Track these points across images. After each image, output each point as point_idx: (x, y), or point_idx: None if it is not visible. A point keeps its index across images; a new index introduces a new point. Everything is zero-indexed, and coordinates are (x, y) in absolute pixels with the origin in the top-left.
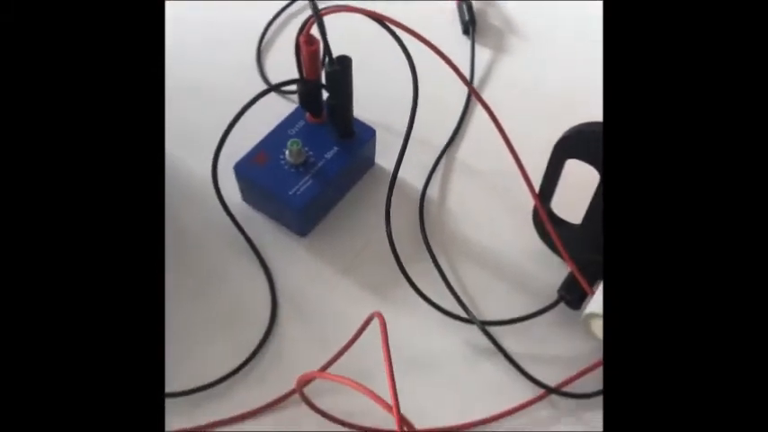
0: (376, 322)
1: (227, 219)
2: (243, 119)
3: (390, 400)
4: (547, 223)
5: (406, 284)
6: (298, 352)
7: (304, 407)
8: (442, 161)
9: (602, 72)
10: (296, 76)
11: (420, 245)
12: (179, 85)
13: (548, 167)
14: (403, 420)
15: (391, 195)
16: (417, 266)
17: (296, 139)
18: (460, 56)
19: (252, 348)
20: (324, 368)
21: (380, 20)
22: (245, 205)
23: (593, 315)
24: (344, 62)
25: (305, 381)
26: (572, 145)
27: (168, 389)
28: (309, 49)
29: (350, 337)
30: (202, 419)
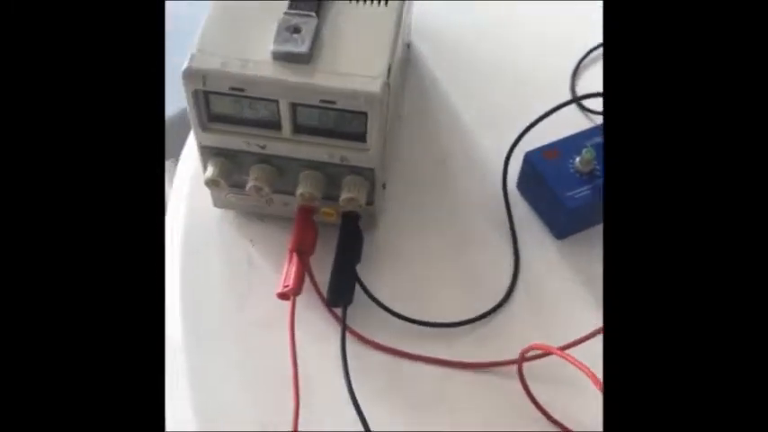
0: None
1: (500, 196)
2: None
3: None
4: None
5: None
6: (521, 332)
7: (509, 380)
8: None
9: None
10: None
11: None
12: (503, 70)
13: None
14: None
15: None
16: None
17: (591, 149)
18: None
19: (482, 311)
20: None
21: None
22: (516, 192)
23: None
24: None
25: (529, 349)
26: None
27: (410, 314)
28: None
29: (573, 339)
30: (422, 351)
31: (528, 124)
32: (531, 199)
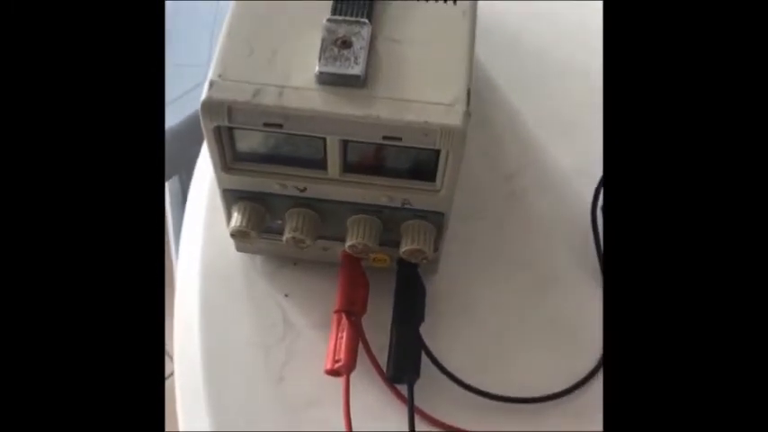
0: None
1: (582, 222)
2: None
3: None
4: None
5: None
6: None
7: None
8: None
9: None
10: None
11: None
12: (574, 71)
13: None
14: None
15: None
16: None
17: None
18: None
19: (577, 377)
20: None
21: None
22: (600, 215)
23: None
24: None
25: None
26: None
27: (485, 387)
28: None
29: None
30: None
31: None
32: None
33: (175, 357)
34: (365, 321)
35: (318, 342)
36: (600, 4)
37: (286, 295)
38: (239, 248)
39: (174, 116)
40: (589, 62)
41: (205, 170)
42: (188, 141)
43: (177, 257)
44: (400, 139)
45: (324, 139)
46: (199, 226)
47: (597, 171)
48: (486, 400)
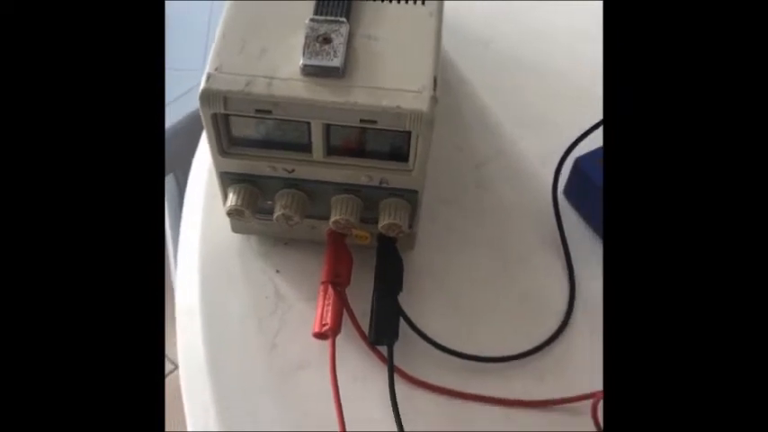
0: None
1: (545, 205)
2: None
3: None
4: None
5: None
6: (584, 363)
7: (579, 419)
8: None
9: None
10: None
11: None
12: (536, 68)
13: None
14: None
15: None
16: None
17: None
18: None
19: (539, 341)
20: None
21: None
22: (563, 199)
23: None
24: None
25: None
26: None
27: (457, 348)
28: None
29: None
30: (477, 388)
31: (578, 127)
32: (582, 208)
33: (178, 331)
34: (349, 293)
35: (307, 312)
36: (567, 4)
37: (277, 271)
38: (235, 229)
39: (169, 118)
40: (554, 59)
41: (202, 162)
42: (183, 141)
43: (174, 248)
44: (375, 122)
45: (308, 124)
46: (197, 213)
47: (558, 159)
48: (459, 360)
